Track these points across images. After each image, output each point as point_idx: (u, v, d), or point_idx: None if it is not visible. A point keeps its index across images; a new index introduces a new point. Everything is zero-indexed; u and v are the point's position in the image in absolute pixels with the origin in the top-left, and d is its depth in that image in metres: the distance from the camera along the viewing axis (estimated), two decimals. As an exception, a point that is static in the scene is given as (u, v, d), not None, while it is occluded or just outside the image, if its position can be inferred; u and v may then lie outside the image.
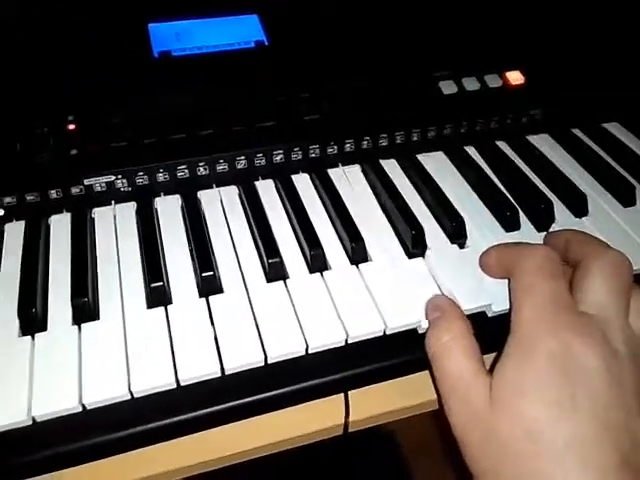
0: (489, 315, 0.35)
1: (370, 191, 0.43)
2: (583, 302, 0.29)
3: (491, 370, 0.29)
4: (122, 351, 0.31)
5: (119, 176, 0.40)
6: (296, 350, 0.32)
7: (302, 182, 0.43)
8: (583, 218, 0.41)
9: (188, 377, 0.30)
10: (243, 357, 0.31)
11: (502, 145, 0.48)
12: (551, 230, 0.40)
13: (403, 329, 0.34)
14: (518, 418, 0.26)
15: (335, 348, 0.33)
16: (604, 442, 0.25)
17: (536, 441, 0.25)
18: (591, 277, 0.30)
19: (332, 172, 0.44)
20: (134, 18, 0.48)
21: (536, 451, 0.25)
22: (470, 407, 0.28)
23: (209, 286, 0.35)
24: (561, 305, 0.28)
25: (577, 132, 0.50)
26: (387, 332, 0.34)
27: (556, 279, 0.29)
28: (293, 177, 0.43)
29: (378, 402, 0.34)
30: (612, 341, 0.27)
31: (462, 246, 0.39)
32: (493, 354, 0.31)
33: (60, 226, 0.39)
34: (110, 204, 0.41)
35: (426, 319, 0.33)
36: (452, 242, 0.39)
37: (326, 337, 0.33)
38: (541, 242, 0.37)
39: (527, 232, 0.40)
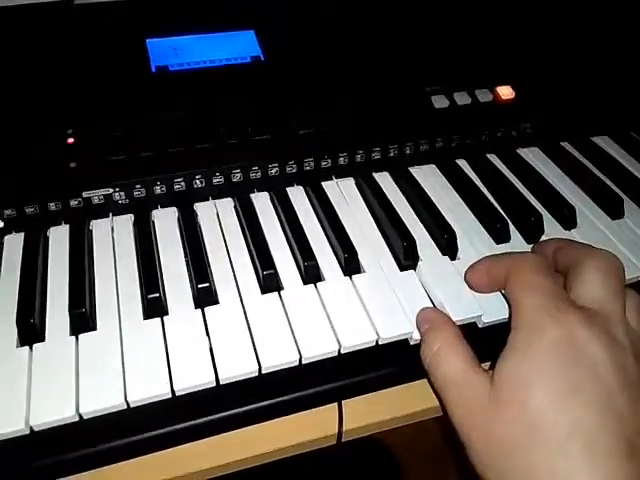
0: (480, 326, 0.36)
1: (363, 203, 0.44)
2: (580, 300, 0.29)
3: (492, 369, 0.29)
4: (118, 361, 0.32)
5: (117, 189, 0.41)
6: (289, 360, 0.33)
7: (297, 194, 0.44)
8: (572, 230, 0.42)
9: (183, 387, 0.31)
10: (237, 367, 0.32)
11: (493, 158, 0.49)
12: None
13: (395, 339, 0.34)
14: (520, 410, 0.26)
15: (329, 358, 0.34)
16: (609, 428, 0.25)
17: (537, 432, 0.25)
18: (587, 275, 0.30)
19: (326, 185, 0.45)
20: (133, 33, 0.48)
21: (537, 442, 0.25)
22: (469, 405, 0.28)
23: (205, 297, 0.35)
24: (562, 297, 0.29)
25: (567, 145, 0.51)
26: (379, 342, 0.34)
27: (552, 277, 0.30)
28: (288, 190, 0.44)
29: (371, 411, 0.35)
30: (614, 332, 0.28)
31: (453, 258, 0.40)
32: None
33: (58, 238, 0.40)
34: (108, 216, 0.41)
35: (418, 332, 0.34)
36: (444, 254, 0.40)
37: (319, 347, 0.33)
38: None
39: (517, 244, 0.41)
